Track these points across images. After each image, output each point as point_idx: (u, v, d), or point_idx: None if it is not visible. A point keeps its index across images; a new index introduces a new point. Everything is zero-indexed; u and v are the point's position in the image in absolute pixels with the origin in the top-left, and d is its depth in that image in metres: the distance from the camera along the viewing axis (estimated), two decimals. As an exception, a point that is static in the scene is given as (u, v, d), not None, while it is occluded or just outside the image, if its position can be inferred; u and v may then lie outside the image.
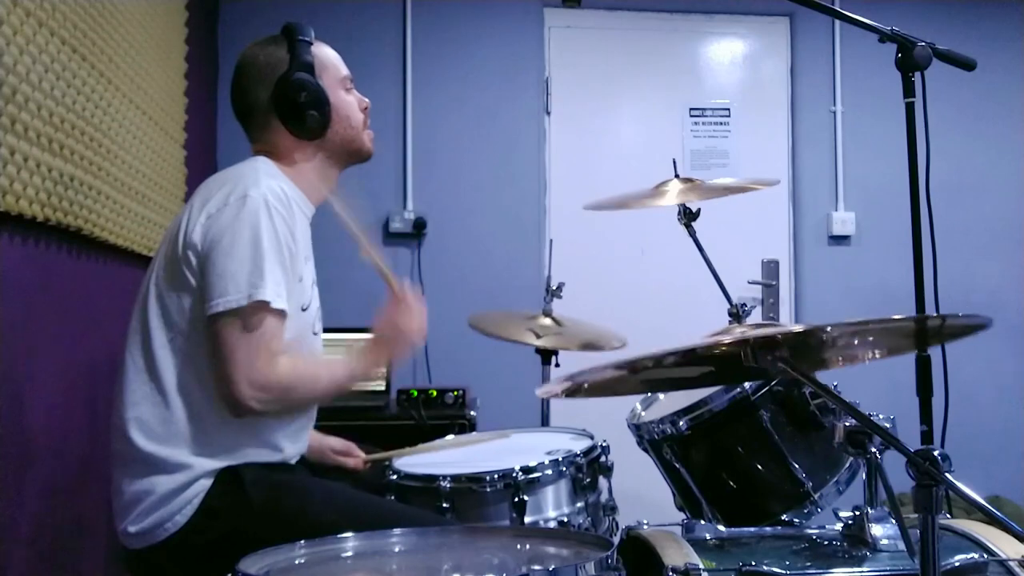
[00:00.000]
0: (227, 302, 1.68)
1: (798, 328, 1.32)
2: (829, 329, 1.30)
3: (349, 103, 1.96)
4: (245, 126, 1.95)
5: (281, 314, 1.72)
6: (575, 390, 1.43)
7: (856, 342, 1.47)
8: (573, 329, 2.83)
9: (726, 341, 1.32)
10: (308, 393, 1.83)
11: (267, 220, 1.72)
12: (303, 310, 1.86)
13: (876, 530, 1.77)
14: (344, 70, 1.97)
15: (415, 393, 3.20)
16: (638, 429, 2.11)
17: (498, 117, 4.05)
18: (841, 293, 4.19)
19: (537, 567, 1.32)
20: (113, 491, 1.79)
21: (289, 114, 1.88)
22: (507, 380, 3.43)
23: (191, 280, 1.74)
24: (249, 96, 1.91)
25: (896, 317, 1.31)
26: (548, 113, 4.14)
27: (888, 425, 1.62)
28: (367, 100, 2.01)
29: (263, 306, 1.69)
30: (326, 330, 2.00)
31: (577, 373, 1.35)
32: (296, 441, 1.89)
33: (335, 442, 2.12)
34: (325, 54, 1.95)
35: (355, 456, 2.12)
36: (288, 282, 1.75)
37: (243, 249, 1.69)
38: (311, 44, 1.91)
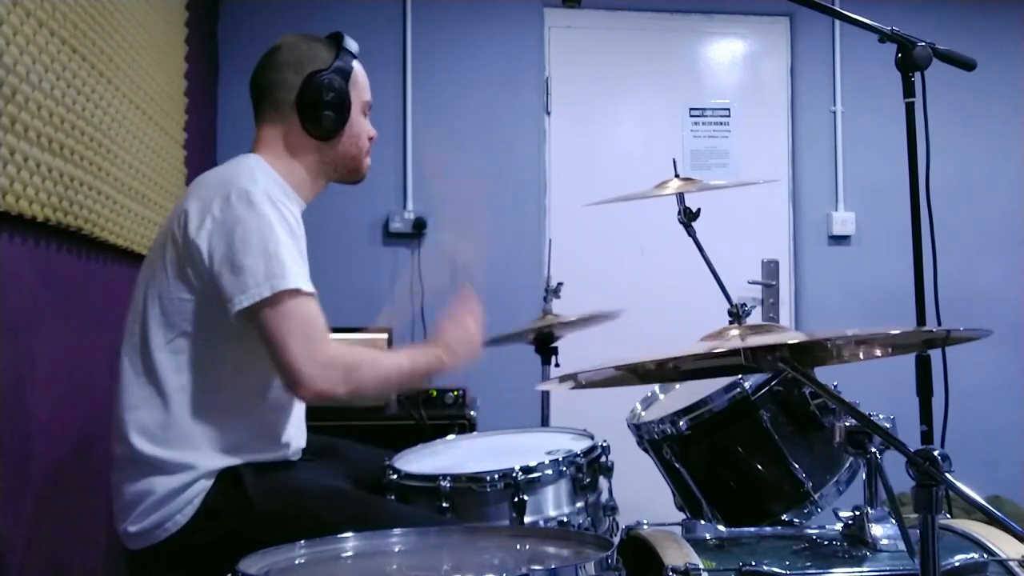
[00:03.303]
0: (259, 292, 1.67)
1: (799, 338, 1.32)
2: (832, 339, 1.30)
3: (362, 124, 1.99)
4: (258, 102, 1.95)
5: (314, 296, 1.74)
6: (576, 384, 1.44)
7: (858, 347, 1.48)
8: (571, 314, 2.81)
9: (726, 348, 1.32)
10: (372, 374, 1.81)
11: (274, 211, 1.73)
12: None
13: (876, 530, 1.77)
14: (368, 95, 2.01)
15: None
16: (638, 429, 2.11)
17: (498, 117, 4.05)
18: (841, 293, 4.19)
19: (537, 567, 1.32)
20: (113, 491, 1.79)
21: (308, 107, 1.89)
22: (507, 380, 3.42)
23: (195, 281, 1.74)
24: (278, 75, 1.92)
25: (899, 331, 1.31)
26: (548, 113, 4.14)
27: (888, 425, 1.62)
28: (375, 132, 2.04)
29: (296, 292, 1.70)
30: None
31: (576, 372, 1.35)
32: (296, 437, 1.89)
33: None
34: (360, 73, 1.98)
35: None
36: (306, 267, 1.77)
37: (261, 242, 1.70)
38: (354, 58, 1.95)
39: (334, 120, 1.91)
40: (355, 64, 1.95)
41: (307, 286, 1.72)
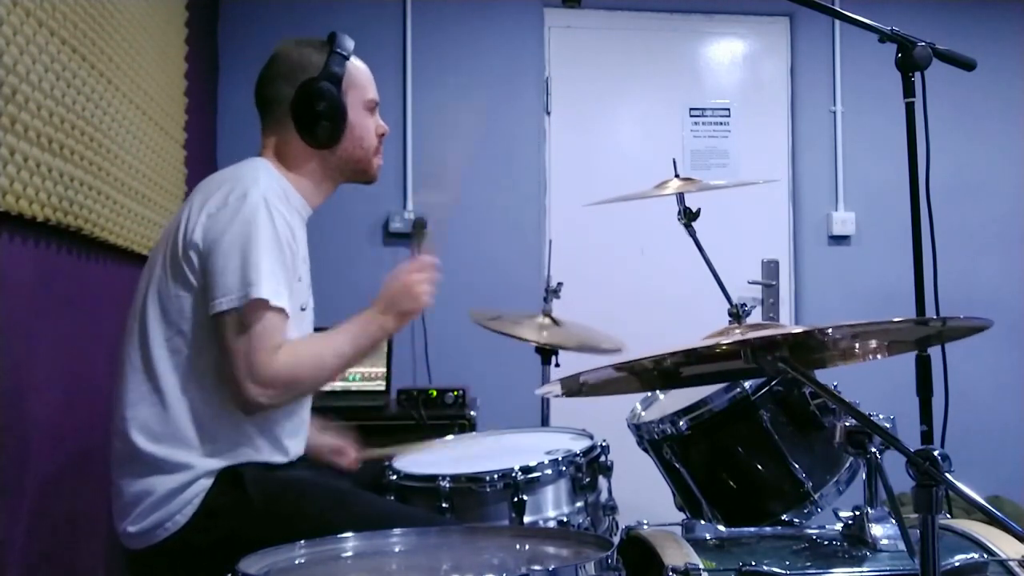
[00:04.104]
0: (228, 301, 1.68)
1: (797, 330, 1.32)
2: (830, 331, 1.30)
3: (366, 125, 1.95)
4: (261, 115, 1.96)
5: (280, 311, 1.72)
6: (575, 390, 1.44)
7: (856, 343, 1.48)
8: (572, 330, 2.83)
9: (726, 342, 1.32)
10: (315, 376, 1.81)
11: (267, 219, 1.73)
12: (302, 310, 1.86)
13: (876, 530, 1.77)
14: (372, 93, 1.97)
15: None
16: (638, 429, 2.11)
17: (498, 117, 4.05)
18: (841, 293, 4.19)
19: (537, 567, 1.32)
20: (113, 491, 1.79)
21: (303, 118, 1.88)
22: (507, 380, 3.43)
23: (192, 280, 1.74)
24: (272, 88, 1.92)
25: (896, 320, 1.31)
26: (548, 113, 4.14)
27: (888, 425, 1.62)
28: (386, 127, 2.01)
29: (261, 304, 1.69)
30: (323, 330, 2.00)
31: (576, 374, 1.35)
32: (296, 438, 1.89)
33: (330, 440, 2.11)
34: (358, 71, 1.95)
35: (348, 455, 2.12)
36: (289, 280, 1.75)
37: (241, 248, 1.70)
38: (347, 59, 1.91)
39: (330, 128, 1.89)
40: (350, 64, 1.92)
41: (274, 298, 1.70)
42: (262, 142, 1.95)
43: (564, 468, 1.93)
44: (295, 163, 1.91)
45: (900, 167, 2.04)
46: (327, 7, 3.82)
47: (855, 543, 1.80)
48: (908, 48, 1.94)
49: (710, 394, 1.96)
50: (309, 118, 1.88)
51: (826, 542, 1.84)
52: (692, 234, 2.48)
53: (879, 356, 1.58)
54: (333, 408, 2.36)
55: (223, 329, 1.70)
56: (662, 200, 2.53)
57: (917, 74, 1.97)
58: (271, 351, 1.71)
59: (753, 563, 1.69)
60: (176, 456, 1.73)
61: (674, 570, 1.65)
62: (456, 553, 1.43)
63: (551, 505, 1.92)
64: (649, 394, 2.25)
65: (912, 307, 2.01)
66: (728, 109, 4.25)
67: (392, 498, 1.92)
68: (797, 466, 1.93)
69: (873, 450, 1.62)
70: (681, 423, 1.99)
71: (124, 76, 2.54)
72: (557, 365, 2.84)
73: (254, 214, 1.72)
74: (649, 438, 2.07)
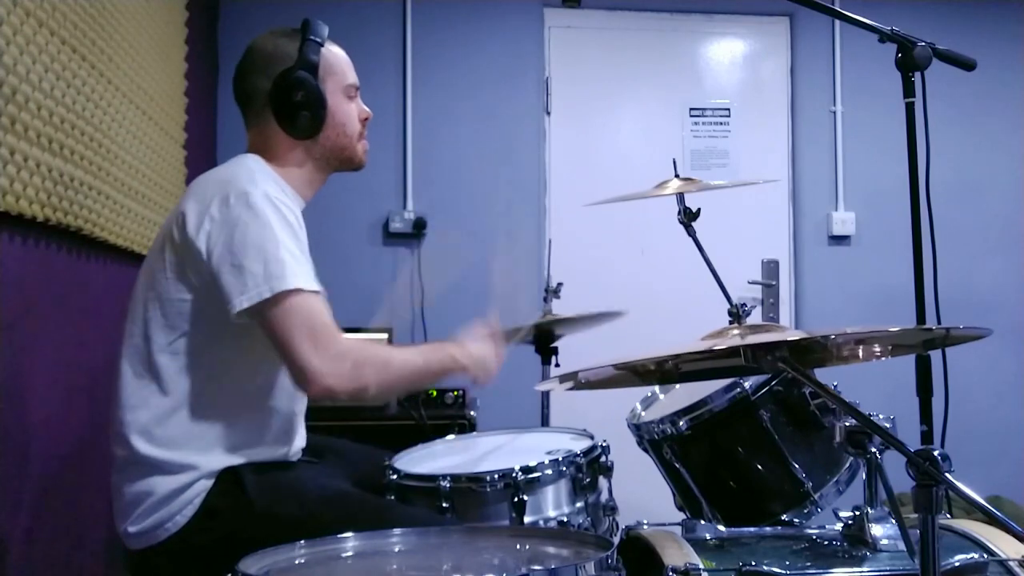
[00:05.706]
0: (259, 294, 1.66)
1: (799, 335, 1.32)
2: (833, 337, 1.30)
3: (347, 111, 1.93)
4: (242, 111, 1.95)
5: (318, 295, 1.72)
6: (575, 384, 1.44)
7: (858, 347, 1.48)
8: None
9: (722, 346, 1.32)
10: (382, 371, 1.77)
11: (274, 211, 1.72)
12: None
13: (876, 530, 1.77)
14: (351, 78, 1.95)
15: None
16: (638, 429, 2.11)
17: (498, 117, 4.05)
18: (841, 293, 4.20)
19: (537, 567, 1.32)
20: (113, 492, 1.78)
21: (283, 110, 1.87)
22: (507, 380, 3.42)
23: (195, 282, 1.73)
24: (249, 82, 1.91)
25: (895, 329, 1.31)
26: (548, 113, 4.14)
27: (888, 425, 1.62)
28: (369, 111, 1.99)
29: (297, 291, 1.67)
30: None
31: (576, 371, 1.36)
32: (296, 437, 1.90)
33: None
34: (335, 57, 1.93)
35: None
36: (311, 265, 1.75)
37: (260, 242, 1.68)
38: (321, 45, 1.89)
39: (310, 118, 1.87)
40: (326, 51, 1.89)
41: (308, 284, 1.70)
42: (247, 138, 1.94)
43: (564, 468, 1.93)
44: (280, 156, 1.90)
45: (900, 167, 2.05)
46: (327, 7, 3.78)
47: (855, 543, 1.80)
48: (908, 48, 1.94)
49: (710, 394, 1.96)
50: (288, 109, 1.86)
51: (826, 542, 1.85)
52: (692, 234, 2.48)
53: (880, 357, 1.58)
54: (333, 407, 2.36)
55: (270, 323, 1.67)
56: (662, 200, 2.53)
57: (917, 74, 1.97)
58: (331, 329, 1.69)
59: (753, 563, 1.69)
60: (176, 457, 1.73)
61: (674, 570, 1.65)
62: (456, 553, 1.43)
63: (551, 505, 1.91)
64: (649, 394, 2.25)
65: (912, 307, 2.02)
66: (728, 109, 4.25)
67: (392, 498, 1.92)
68: (797, 466, 1.93)
69: (873, 450, 1.62)
70: (681, 423, 1.99)
71: (124, 76, 2.54)
72: (557, 365, 2.84)
73: (260, 208, 1.71)
74: (649, 438, 2.07)
